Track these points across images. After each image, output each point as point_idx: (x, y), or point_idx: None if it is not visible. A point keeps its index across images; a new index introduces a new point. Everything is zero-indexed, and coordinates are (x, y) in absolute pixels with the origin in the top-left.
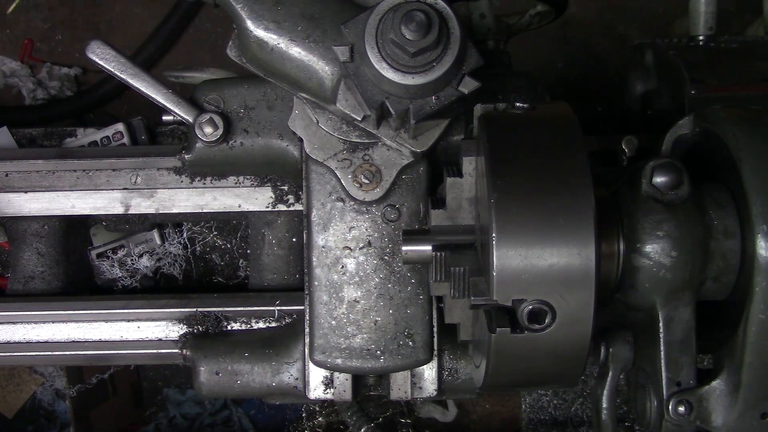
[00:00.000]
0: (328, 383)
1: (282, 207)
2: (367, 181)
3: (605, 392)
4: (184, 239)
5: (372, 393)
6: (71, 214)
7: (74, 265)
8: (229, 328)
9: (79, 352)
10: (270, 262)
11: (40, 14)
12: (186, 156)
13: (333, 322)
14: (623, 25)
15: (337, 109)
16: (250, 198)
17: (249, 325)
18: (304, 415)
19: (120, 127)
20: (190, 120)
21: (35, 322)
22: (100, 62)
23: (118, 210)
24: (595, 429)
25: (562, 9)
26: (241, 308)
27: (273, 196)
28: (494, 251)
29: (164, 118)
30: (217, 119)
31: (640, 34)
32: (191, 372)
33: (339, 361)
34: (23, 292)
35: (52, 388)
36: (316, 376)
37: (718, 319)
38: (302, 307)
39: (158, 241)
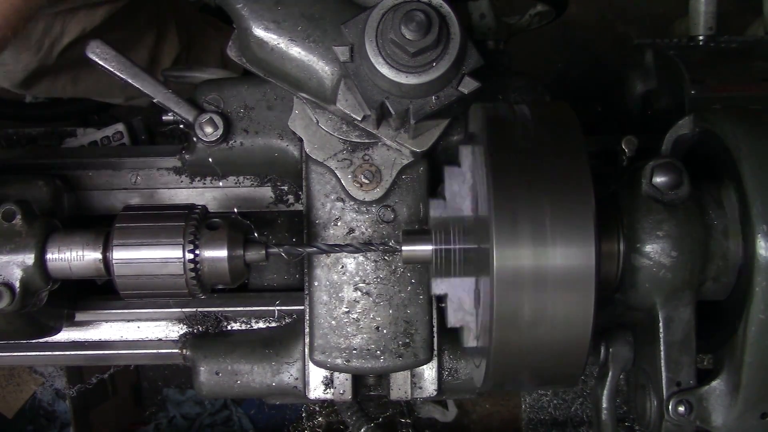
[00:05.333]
0: (328, 383)
1: (282, 207)
2: (367, 181)
3: (605, 392)
4: None
5: (372, 393)
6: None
7: None
8: (229, 328)
9: (79, 352)
10: (270, 262)
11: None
12: (186, 156)
13: (333, 322)
14: (623, 25)
15: (337, 109)
16: (250, 198)
17: (249, 325)
18: (304, 415)
19: (120, 127)
20: (190, 120)
21: None
22: (100, 62)
23: (118, 210)
24: (595, 429)
25: (562, 9)
26: (241, 308)
27: (273, 196)
28: (494, 251)
29: (164, 118)
30: (217, 119)
31: (640, 34)
32: (191, 372)
33: (339, 361)
34: None
35: (52, 388)
36: (316, 376)
37: (718, 319)
38: (302, 307)
39: None
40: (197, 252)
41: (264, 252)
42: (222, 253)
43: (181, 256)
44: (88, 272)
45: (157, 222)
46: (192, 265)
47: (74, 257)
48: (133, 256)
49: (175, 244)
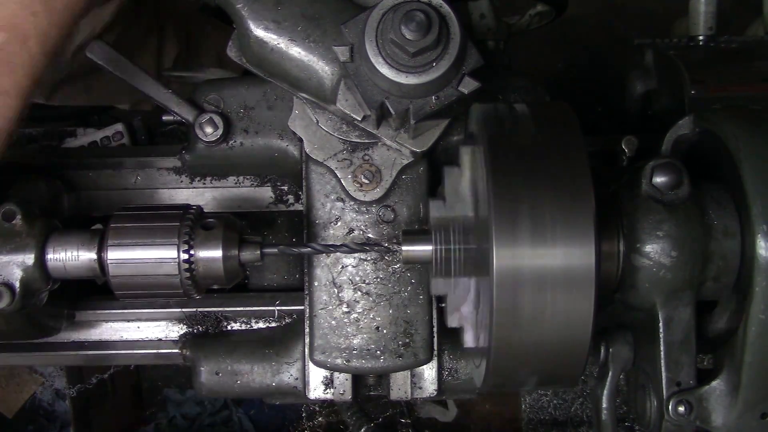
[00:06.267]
0: (328, 383)
1: (282, 207)
2: (367, 181)
3: (605, 392)
4: None
5: (372, 393)
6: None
7: None
8: (229, 328)
9: (79, 352)
10: (270, 262)
11: None
12: (186, 156)
13: (333, 322)
14: (623, 25)
15: (337, 109)
16: (250, 198)
17: (249, 325)
18: (304, 415)
19: (120, 127)
20: (190, 120)
21: None
22: (100, 62)
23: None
24: (595, 429)
25: (562, 9)
26: (241, 308)
27: (273, 196)
28: (494, 251)
29: (164, 118)
30: (217, 119)
31: (640, 34)
32: (191, 372)
33: (339, 361)
34: None
35: (52, 388)
36: (316, 376)
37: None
38: (302, 307)
39: None
40: (192, 252)
41: (259, 252)
42: (217, 253)
43: (176, 256)
44: (83, 272)
45: (152, 222)
46: (187, 266)
47: (69, 257)
48: (127, 257)
49: (170, 245)
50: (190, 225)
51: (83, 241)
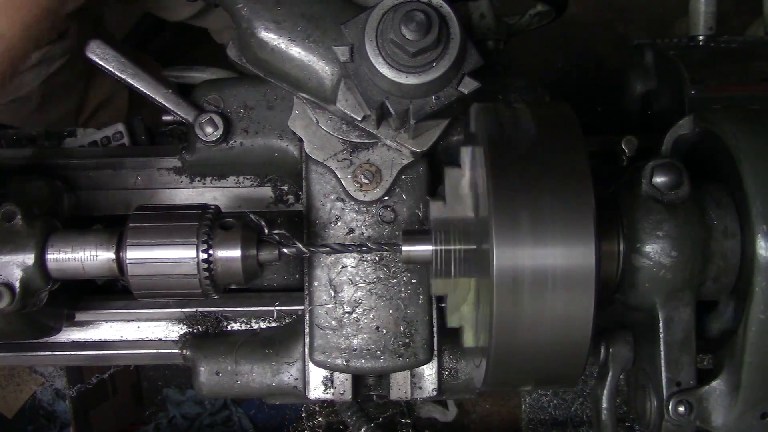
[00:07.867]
0: (328, 383)
1: (282, 207)
2: (367, 181)
3: (605, 392)
4: None
5: (372, 393)
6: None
7: None
8: (229, 328)
9: (79, 352)
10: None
11: None
12: (186, 156)
13: (333, 322)
14: (623, 25)
15: (337, 109)
16: (250, 198)
17: (249, 325)
18: (304, 415)
19: (120, 127)
20: (190, 120)
21: None
22: (100, 62)
23: (119, 210)
24: (595, 429)
25: (562, 9)
26: (241, 308)
27: (273, 196)
28: (494, 251)
29: (164, 118)
30: (217, 119)
31: (640, 34)
32: (191, 372)
33: (339, 361)
34: None
35: (52, 388)
36: (316, 376)
37: (718, 319)
38: (302, 307)
39: None
40: (211, 252)
41: (277, 252)
42: (236, 253)
43: (195, 256)
44: (101, 272)
45: (170, 222)
46: (206, 265)
47: (87, 257)
48: (146, 256)
49: (189, 244)
50: (209, 225)
51: (101, 240)
